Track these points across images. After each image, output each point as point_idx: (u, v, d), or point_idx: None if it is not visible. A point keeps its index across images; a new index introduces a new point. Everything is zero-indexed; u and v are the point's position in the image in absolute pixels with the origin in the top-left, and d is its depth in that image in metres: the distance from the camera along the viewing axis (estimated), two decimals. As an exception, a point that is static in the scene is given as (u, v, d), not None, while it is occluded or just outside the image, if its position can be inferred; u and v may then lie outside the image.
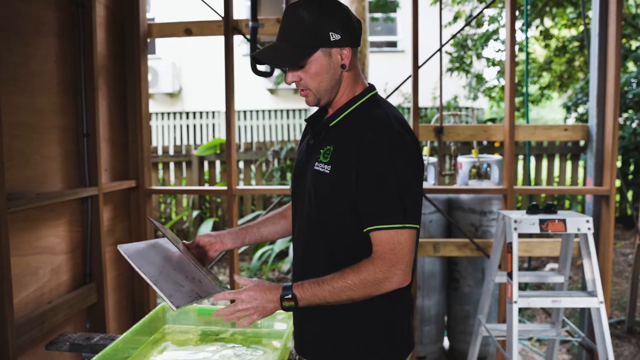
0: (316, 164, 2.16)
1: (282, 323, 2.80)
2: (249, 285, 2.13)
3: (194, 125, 15.60)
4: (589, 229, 3.62)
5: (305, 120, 2.38)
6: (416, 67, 4.55)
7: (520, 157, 9.81)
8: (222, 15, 4.59)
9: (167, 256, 2.30)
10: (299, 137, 14.77)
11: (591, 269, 3.66)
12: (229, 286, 2.39)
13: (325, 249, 2.17)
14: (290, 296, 2.05)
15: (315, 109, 2.32)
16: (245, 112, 15.34)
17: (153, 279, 2.07)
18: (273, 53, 2.14)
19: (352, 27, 2.14)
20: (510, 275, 3.62)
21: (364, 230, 2.06)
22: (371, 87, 2.28)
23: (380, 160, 2.03)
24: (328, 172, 2.11)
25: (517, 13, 5.67)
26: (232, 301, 2.12)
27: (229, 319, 2.11)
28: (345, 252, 2.13)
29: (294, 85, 2.25)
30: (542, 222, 3.64)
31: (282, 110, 15.56)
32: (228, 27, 4.59)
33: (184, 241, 2.41)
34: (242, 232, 2.57)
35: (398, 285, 2.03)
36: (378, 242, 2.03)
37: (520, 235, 4.72)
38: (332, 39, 2.08)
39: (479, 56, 11.88)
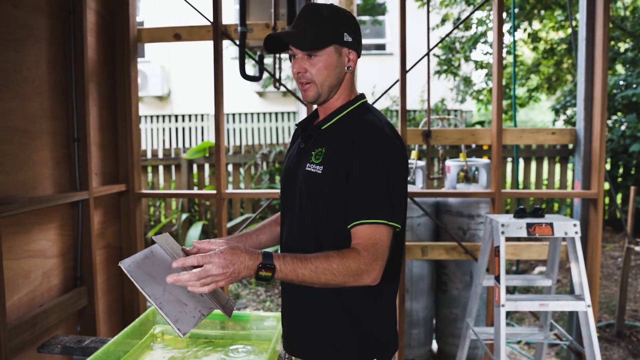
0: (307, 165, 2.20)
1: (272, 328, 2.82)
2: (220, 248, 1.92)
3: (183, 128, 15.62)
4: (576, 232, 3.64)
5: (296, 125, 2.42)
6: (404, 71, 4.57)
7: (509, 159, 9.81)
8: (211, 20, 4.60)
9: (166, 266, 2.15)
10: (287, 140, 14.79)
11: (578, 273, 3.67)
12: (229, 295, 2.35)
13: (316, 250, 2.14)
14: (270, 266, 1.92)
15: (305, 114, 2.35)
16: (234, 114, 15.37)
17: (158, 302, 1.95)
18: (292, 35, 2.17)
19: (359, 35, 2.27)
20: (497, 278, 3.64)
21: (348, 227, 2.07)
22: (362, 95, 2.36)
23: (371, 160, 2.07)
24: (320, 172, 2.15)
25: (504, 16, 5.69)
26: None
27: (196, 287, 1.86)
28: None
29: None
30: (529, 225, 3.65)
31: (270, 113, 15.61)
32: (217, 32, 4.61)
33: (183, 247, 2.38)
34: (241, 239, 2.55)
35: (372, 282, 2.01)
36: (360, 235, 2.03)
37: (509, 239, 4.75)
38: (345, 39, 2.19)
39: (466, 59, 11.89)
